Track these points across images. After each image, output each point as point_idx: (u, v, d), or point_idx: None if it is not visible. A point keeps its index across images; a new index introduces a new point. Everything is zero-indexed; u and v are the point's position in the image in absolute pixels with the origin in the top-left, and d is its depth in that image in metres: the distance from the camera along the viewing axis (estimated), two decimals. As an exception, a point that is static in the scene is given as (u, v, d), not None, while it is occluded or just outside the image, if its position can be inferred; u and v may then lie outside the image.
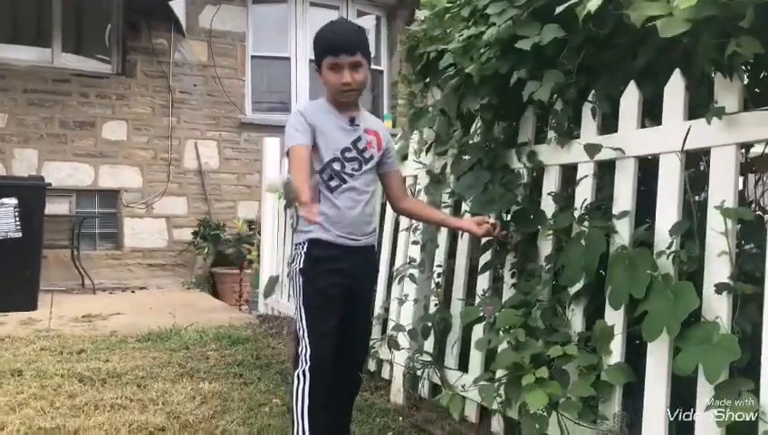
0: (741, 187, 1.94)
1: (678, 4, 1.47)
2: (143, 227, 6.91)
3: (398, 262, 3.25)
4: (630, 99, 2.07)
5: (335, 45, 2.09)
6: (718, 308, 1.71)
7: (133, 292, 6.52)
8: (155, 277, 6.92)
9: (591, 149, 2.13)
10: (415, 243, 3.08)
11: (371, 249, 2.25)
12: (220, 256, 6.85)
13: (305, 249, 2.09)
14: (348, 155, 2.13)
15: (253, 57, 7.42)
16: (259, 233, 5.79)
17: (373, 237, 2.26)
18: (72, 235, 6.32)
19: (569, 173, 2.39)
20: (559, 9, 1.86)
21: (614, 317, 2.02)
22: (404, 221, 3.26)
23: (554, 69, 2.23)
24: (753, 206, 2.15)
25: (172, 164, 6.97)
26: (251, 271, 6.19)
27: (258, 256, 5.67)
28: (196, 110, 7.05)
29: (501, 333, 2.19)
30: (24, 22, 6.79)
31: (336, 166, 2.11)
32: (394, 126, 7.62)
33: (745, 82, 1.76)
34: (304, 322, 2.06)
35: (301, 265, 2.09)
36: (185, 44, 6.95)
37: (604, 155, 2.12)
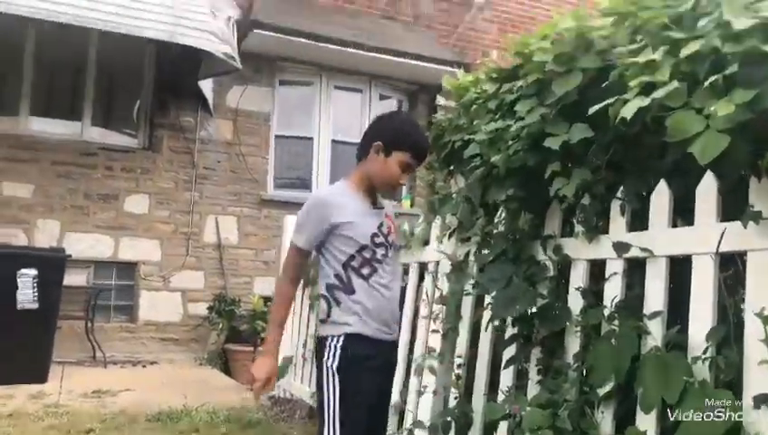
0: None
1: (716, 111, 1.47)
2: (159, 301, 6.87)
3: (417, 351, 3.18)
4: (661, 197, 2.05)
5: (423, 151, 2.17)
6: (761, 421, 1.63)
7: (144, 366, 6.42)
8: (167, 352, 6.83)
9: (621, 248, 2.10)
10: (435, 331, 3.02)
11: (396, 345, 2.20)
12: (234, 333, 6.76)
13: (341, 343, 2.01)
14: (377, 241, 2.11)
15: (276, 136, 7.56)
16: (275, 311, 5.72)
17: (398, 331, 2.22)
18: (87, 306, 6.29)
19: (596, 267, 2.35)
20: (592, 110, 1.87)
21: (646, 422, 1.93)
22: (424, 308, 3.21)
23: (583, 165, 2.24)
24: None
25: (191, 238, 7.00)
26: (264, 349, 6.09)
27: (273, 334, 5.59)
28: (218, 185, 7.13)
29: (528, 434, 2.10)
30: (58, 96, 7.01)
31: (366, 254, 2.08)
32: (412, 206, 7.66)
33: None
34: (337, 427, 1.96)
35: (336, 363, 1.99)
36: (211, 122, 7.11)
37: (634, 253, 2.09)
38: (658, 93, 1.60)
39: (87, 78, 6.88)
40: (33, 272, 5.08)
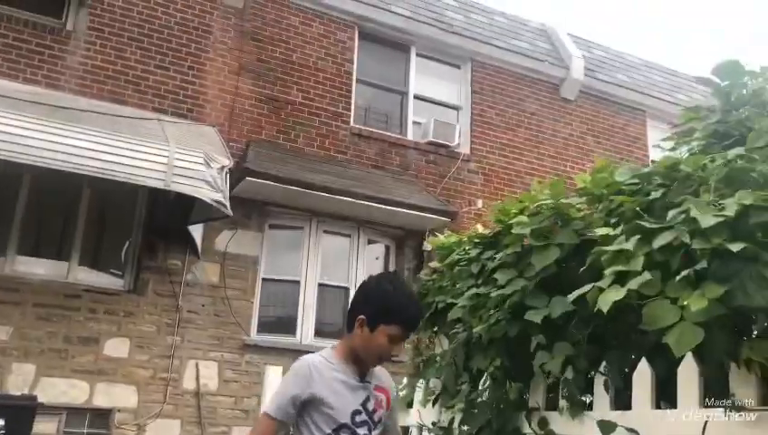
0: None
1: (689, 306, 1.49)
2: (131, 452, 6.54)
3: None
4: (643, 376, 2.03)
5: (413, 323, 2.05)
6: None
7: None
8: (133, 510, 6.41)
9: (606, 428, 2.05)
10: (418, 506, 2.87)
11: None
12: (207, 488, 6.40)
13: None
14: (358, 419, 1.98)
15: (263, 279, 7.56)
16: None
17: None
18: (54, 457, 5.98)
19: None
20: (571, 297, 1.90)
21: None
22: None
23: (564, 338, 2.23)
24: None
25: (170, 384, 6.78)
26: (239, 508, 5.73)
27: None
28: (201, 329, 7.02)
29: None
30: (47, 236, 7.06)
31: (345, 433, 1.94)
32: (399, 352, 7.53)
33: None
34: None
35: None
36: (198, 266, 7.13)
37: (620, 433, 2.03)
38: (632, 284, 1.63)
39: (78, 219, 6.97)
40: (0, 422, 4.86)
